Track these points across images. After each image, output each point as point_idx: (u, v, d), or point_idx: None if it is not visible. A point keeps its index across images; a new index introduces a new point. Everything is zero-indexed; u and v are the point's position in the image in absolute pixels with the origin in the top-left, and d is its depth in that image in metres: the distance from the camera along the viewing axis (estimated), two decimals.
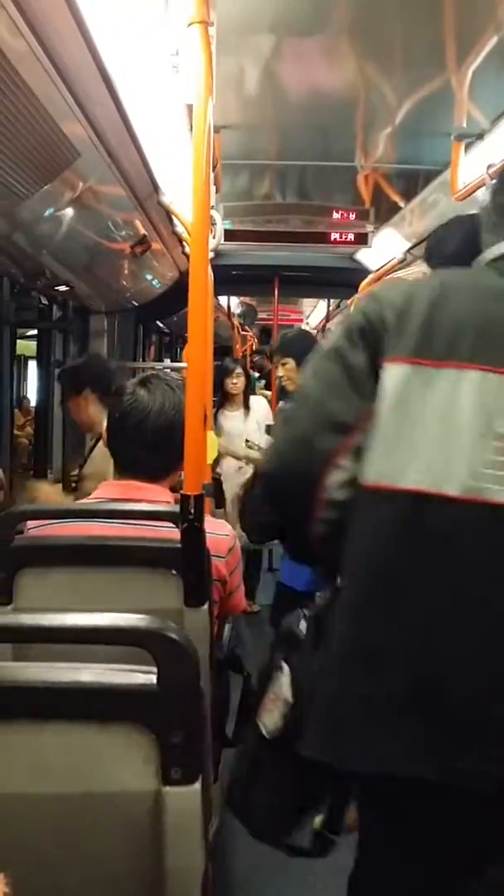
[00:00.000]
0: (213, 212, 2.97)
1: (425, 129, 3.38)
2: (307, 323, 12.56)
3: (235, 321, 10.29)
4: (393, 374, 1.40)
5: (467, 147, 3.30)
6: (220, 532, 2.26)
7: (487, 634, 1.34)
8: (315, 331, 9.74)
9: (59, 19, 1.85)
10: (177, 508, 1.98)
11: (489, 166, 2.98)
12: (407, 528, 1.35)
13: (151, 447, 2.16)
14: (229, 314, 10.01)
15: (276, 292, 6.92)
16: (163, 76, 2.50)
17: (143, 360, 7.47)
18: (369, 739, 1.36)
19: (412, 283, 1.58)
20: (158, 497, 2.14)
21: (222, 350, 10.13)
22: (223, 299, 9.43)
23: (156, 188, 3.43)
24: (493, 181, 1.63)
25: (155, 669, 1.27)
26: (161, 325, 7.98)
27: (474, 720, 1.34)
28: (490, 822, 1.39)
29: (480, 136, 3.21)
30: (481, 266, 1.55)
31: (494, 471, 1.32)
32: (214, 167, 3.30)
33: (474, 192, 3.18)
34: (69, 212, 3.04)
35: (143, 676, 1.27)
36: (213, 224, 3.03)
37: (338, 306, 8.48)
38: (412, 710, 1.34)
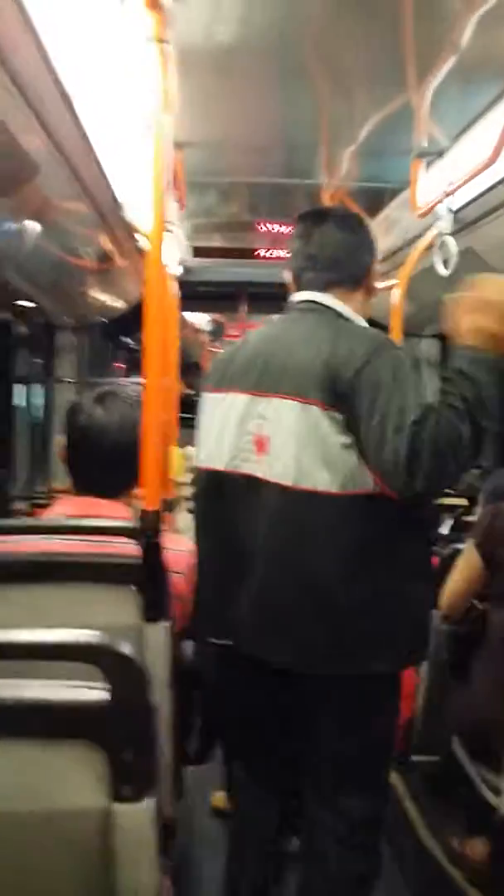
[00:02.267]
0: (173, 227, 2.98)
1: (388, 148, 3.41)
2: None
3: (204, 338, 10.31)
4: (203, 400, 2.27)
5: (428, 165, 3.33)
6: (180, 548, 2.25)
7: (225, 547, 2.13)
8: None
9: (15, 33, 1.85)
10: (136, 524, 1.97)
11: (448, 184, 3.02)
12: (206, 486, 2.21)
13: (110, 466, 2.15)
14: (198, 331, 10.02)
15: (244, 309, 6.93)
16: (122, 92, 2.51)
17: (111, 377, 7.45)
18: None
19: (239, 339, 2.39)
20: (117, 513, 2.12)
21: (193, 367, 10.14)
22: (192, 316, 9.44)
23: (118, 204, 3.43)
24: None
25: (107, 686, 1.26)
26: (130, 341, 7.96)
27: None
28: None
29: (440, 155, 3.25)
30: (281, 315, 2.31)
31: (247, 453, 2.09)
32: (176, 184, 3.31)
33: (433, 209, 3.21)
34: (31, 227, 3.03)
35: (94, 693, 1.26)
36: (177, 239, 3.04)
37: None
38: (216, 608, 2.15)
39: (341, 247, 2.22)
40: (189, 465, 2.98)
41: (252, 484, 2.06)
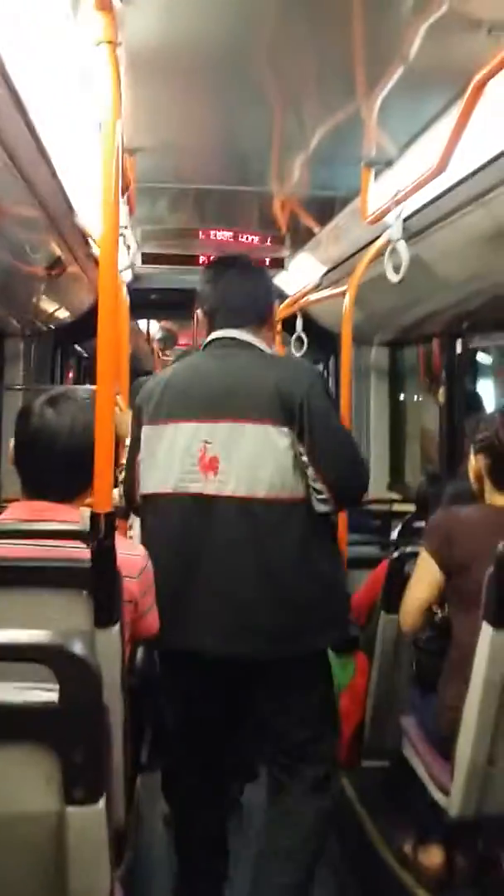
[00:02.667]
0: (126, 231, 2.97)
1: (338, 156, 3.43)
2: None
3: (155, 346, 10.27)
4: (144, 433, 2.50)
5: (377, 174, 3.36)
6: (133, 553, 2.24)
7: (181, 560, 2.38)
8: None
9: None
10: (86, 527, 1.96)
11: (397, 192, 3.05)
12: (155, 509, 2.48)
13: (61, 469, 2.13)
14: (149, 338, 9.98)
15: (195, 317, 6.93)
16: (72, 95, 2.50)
17: (62, 384, 7.38)
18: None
19: (165, 371, 2.68)
20: (69, 517, 2.11)
21: (142, 375, 10.09)
22: (143, 324, 9.40)
23: (70, 209, 3.41)
24: None
25: (56, 687, 1.25)
26: (80, 348, 7.91)
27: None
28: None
29: (389, 164, 3.28)
30: (195, 354, 2.63)
31: (192, 474, 2.37)
32: (127, 189, 3.29)
33: (383, 217, 3.24)
34: None
35: (44, 693, 1.25)
36: (128, 246, 3.02)
37: None
38: (177, 620, 2.34)
39: (247, 292, 2.62)
40: None
41: (199, 502, 2.38)
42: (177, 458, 2.40)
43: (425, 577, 2.69)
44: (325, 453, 2.39)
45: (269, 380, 2.41)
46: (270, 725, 2.62)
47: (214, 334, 2.59)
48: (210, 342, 2.60)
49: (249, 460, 2.35)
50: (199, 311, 2.67)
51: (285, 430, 2.37)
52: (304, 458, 2.38)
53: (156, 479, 2.46)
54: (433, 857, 2.68)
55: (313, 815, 2.56)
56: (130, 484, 2.61)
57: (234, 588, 2.37)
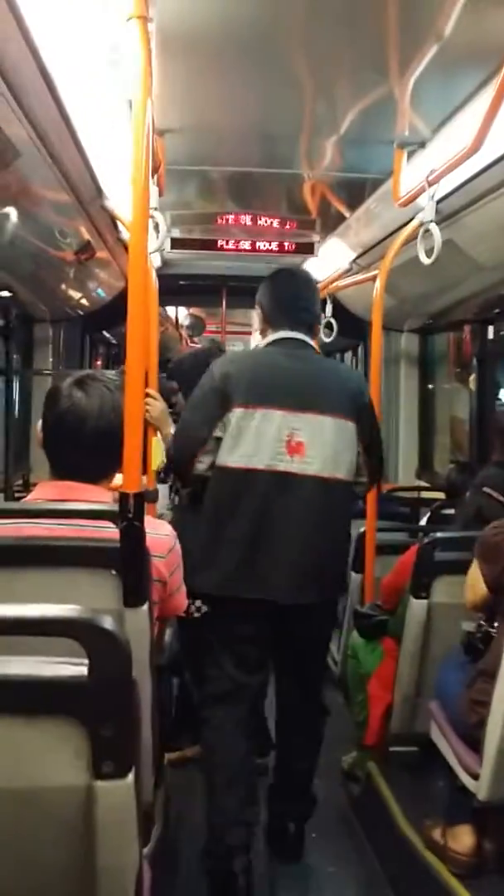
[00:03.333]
0: (156, 213, 2.96)
1: (369, 138, 3.40)
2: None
3: (183, 333, 10.27)
4: (235, 414, 2.79)
5: (410, 155, 3.33)
6: (161, 532, 2.24)
7: (258, 526, 2.79)
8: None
9: None
10: (116, 507, 1.96)
11: (430, 173, 3.02)
12: (234, 480, 2.81)
13: (90, 450, 2.13)
14: (177, 325, 9.97)
15: (224, 303, 6.92)
16: (102, 73, 2.48)
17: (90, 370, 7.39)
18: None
19: (240, 358, 3.09)
20: (97, 497, 2.11)
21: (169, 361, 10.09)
22: (171, 310, 9.39)
23: (99, 192, 3.40)
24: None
25: (86, 662, 1.25)
26: (108, 335, 7.92)
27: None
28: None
29: (422, 145, 3.25)
30: (265, 347, 3.00)
31: (281, 455, 2.78)
32: (157, 170, 3.28)
33: (415, 199, 3.21)
34: (10, 215, 3.01)
35: (74, 668, 1.25)
36: (157, 227, 3.01)
37: None
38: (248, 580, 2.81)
39: (308, 300, 3.08)
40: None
41: (281, 477, 2.79)
42: (267, 441, 2.78)
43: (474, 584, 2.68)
44: (374, 446, 3.02)
45: (339, 382, 2.98)
46: (300, 658, 3.10)
47: (282, 334, 2.98)
48: (278, 340, 2.99)
49: (332, 446, 2.84)
50: (259, 312, 3.09)
51: (352, 424, 2.89)
52: (359, 448, 2.94)
53: (241, 455, 2.80)
54: (462, 841, 2.66)
55: (320, 724, 3.23)
56: (190, 459, 2.87)
57: (307, 548, 2.84)
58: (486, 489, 3.04)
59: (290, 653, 3.06)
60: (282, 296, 3.04)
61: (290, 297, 3.04)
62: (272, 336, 2.99)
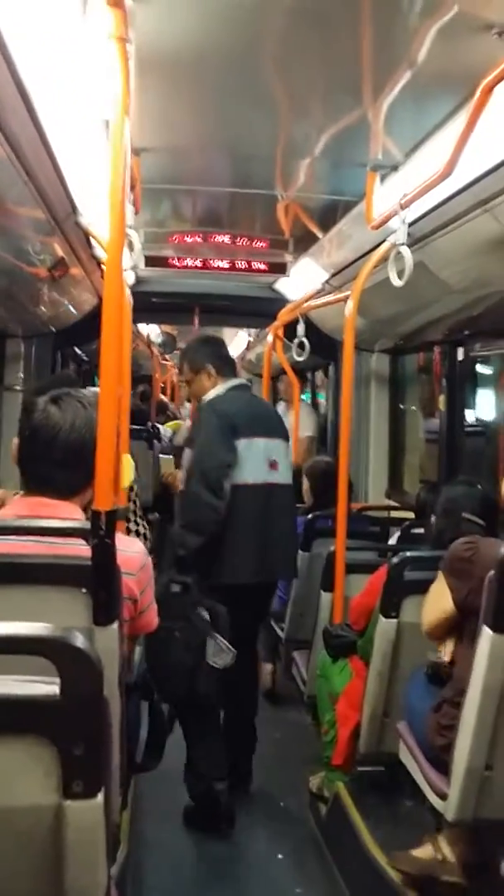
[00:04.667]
0: (130, 231, 2.96)
1: (343, 161, 3.43)
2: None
3: (155, 350, 10.27)
4: (240, 444, 3.69)
5: (382, 178, 3.36)
6: (132, 549, 2.23)
7: (259, 525, 3.74)
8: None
9: None
10: (87, 525, 1.95)
11: (402, 196, 3.05)
12: (244, 494, 3.69)
13: (61, 465, 2.12)
14: (149, 343, 9.97)
15: (196, 321, 6.93)
16: (80, 93, 2.49)
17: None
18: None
19: (228, 400, 3.86)
20: (68, 514, 2.10)
21: (142, 379, 10.09)
22: (143, 328, 9.39)
23: (74, 209, 3.41)
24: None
25: (58, 681, 1.24)
26: (80, 352, 7.91)
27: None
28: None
29: (395, 168, 3.28)
30: (232, 392, 3.91)
31: (267, 472, 3.76)
32: (133, 188, 3.29)
33: (388, 221, 3.24)
34: None
35: (46, 687, 1.24)
36: (131, 245, 3.02)
37: (257, 336, 8.53)
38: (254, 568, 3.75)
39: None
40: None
41: (269, 488, 3.76)
42: (259, 461, 3.74)
43: (439, 601, 2.70)
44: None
45: (274, 414, 4.31)
46: (262, 616, 4.29)
47: (234, 381, 3.96)
48: (236, 386, 3.94)
49: (285, 461, 3.90)
50: (208, 370, 3.91)
51: (286, 444, 3.99)
52: None
53: (247, 474, 3.69)
54: (429, 861, 2.66)
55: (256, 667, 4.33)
56: (221, 479, 3.63)
57: (282, 538, 3.85)
58: (465, 515, 2.99)
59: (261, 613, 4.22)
60: (222, 353, 4.06)
61: (227, 354, 4.17)
62: (229, 383, 3.94)
